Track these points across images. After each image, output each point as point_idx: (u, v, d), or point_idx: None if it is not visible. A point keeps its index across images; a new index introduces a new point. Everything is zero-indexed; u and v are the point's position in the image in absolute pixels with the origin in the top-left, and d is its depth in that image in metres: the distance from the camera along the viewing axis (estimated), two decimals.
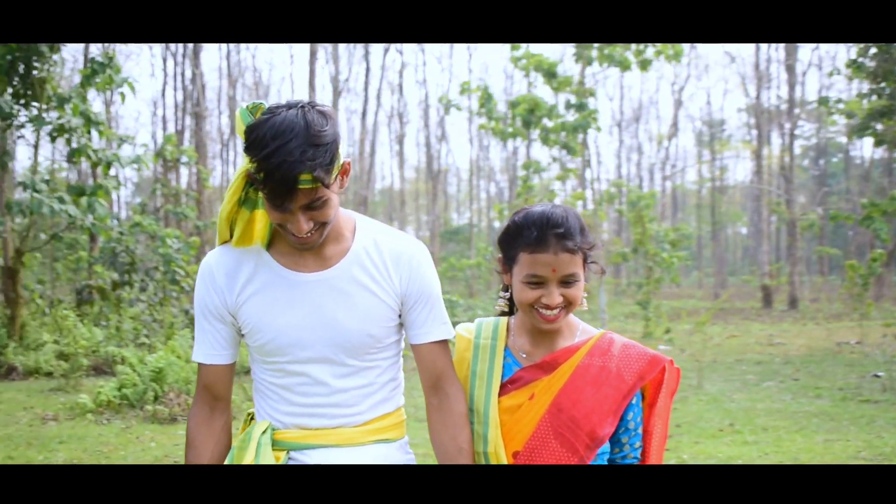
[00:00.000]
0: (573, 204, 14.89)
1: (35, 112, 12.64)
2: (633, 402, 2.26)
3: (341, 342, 2.24)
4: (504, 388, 2.30)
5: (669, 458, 7.13)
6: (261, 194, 2.15)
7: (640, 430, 2.29)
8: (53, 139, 12.89)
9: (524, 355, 2.32)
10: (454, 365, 2.37)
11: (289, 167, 2.00)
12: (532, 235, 2.18)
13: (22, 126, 12.91)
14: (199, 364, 2.36)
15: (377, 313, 2.26)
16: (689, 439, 7.93)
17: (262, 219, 2.27)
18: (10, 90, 12.48)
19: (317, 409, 2.29)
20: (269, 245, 2.30)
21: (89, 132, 12.90)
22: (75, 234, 19.26)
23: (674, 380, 2.30)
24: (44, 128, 12.69)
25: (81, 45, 20.15)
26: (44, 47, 12.13)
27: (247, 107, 2.09)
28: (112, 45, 15.97)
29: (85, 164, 17.19)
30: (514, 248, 2.24)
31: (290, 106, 2.07)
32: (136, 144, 15.55)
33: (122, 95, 13.40)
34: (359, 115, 37.15)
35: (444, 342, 2.34)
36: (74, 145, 12.87)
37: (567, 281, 2.18)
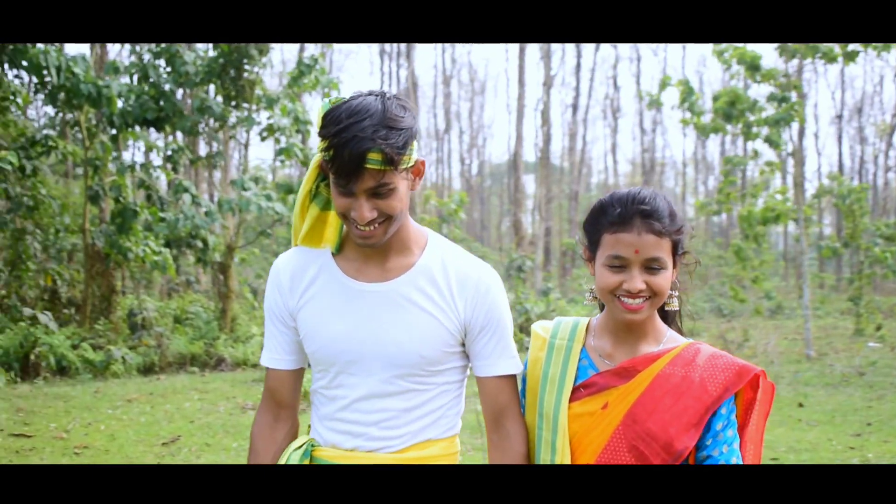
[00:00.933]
0: (780, 201, 14.34)
1: (245, 113, 13.58)
2: (722, 412, 2.11)
3: (390, 359, 2.19)
4: (576, 393, 2.19)
5: (852, 458, 7.08)
6: (332, 190, 2.15)
7: (731, 434, 2.12)
8: (263, 139, 13.79)
9: (602, 358, 2.22)
10: (528, 364, 2.31)
11: (358, 143, 1.99)
12: (615, 213, 2.08)
13: (233, 127, 13.90)
14: (266, 368, 2.37)
15: (433, 335, 2.18)
16: (878, 438, 7.85)
17: (333, 222, 2.28)
18: (216, 92, 13.47)
19: (354, 427, 2.23)
20: (339, 251, 2.28)
21: (297, 131, 13.71)
22: (283, 230, 20.47)
23: (767, 399, 2.16)
24: (254, 128, 13.61)
25: (289, 47, 21.34)
26: (253, 50, 13.00)
27: (330, 100, 2.11)
28: (320, 46, 16.82)
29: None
30: (598, 229, 2.15)
31: (370, 93, 2.09)
32: None
33: (328, 96, 14.12)
34: (570, 110, 37.09)
35: (510, 377, 2.26)
36: (283, 145, 13.72)
37: (651, 266, 2.06)
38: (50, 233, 13.82)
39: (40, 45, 11.45)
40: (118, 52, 19.95)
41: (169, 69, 13.13)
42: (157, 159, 16.52)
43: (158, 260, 13.02)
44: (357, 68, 79.68)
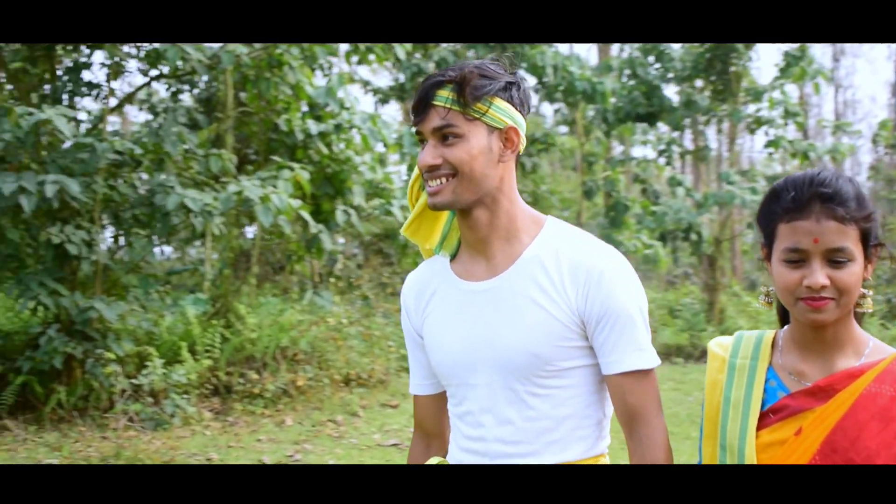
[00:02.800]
0: None
1: (732, 106, 14.16)
2: None
3: (504, 362, 2.07)
4: (764, 420, 1.96)
5: None
6: None
7: None
8: (752, 131, 14.24)
9: (793, 376, 1.98)
10: (707, 388, 2.09)
11: (432, 79, 2.03)
12: (788, 198, 1.87)
13: (721, 120, 14.57)
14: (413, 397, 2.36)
15: (545, 330, 2.05)
16: None
17: (440, 218, 2.26)
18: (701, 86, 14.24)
19: (479, 445, 2.13)
20: (455, 255, 2.23)
21: (786, 124, 13.90)
22: None
23: None
24: (741, 121, 14.14)
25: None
26: (739, 45, 13.54)
27: None
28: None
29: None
30: (771, 220, 1.94)
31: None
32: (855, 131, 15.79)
33: (817, 86, 13.99)
34: None
35: (640, 374, 2.05)
36: (771, 137, 14.02)
37: (835, 259, 1.82)
38: None
39: (544, 46, 13.53)
40: (609, 51, 21.50)
41: (658, 66, 14.36)
42: (650, 154, 17.67)
43: (650, 253, 14.36)
44: None
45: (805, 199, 1.86)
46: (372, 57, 10.11)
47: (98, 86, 9.02)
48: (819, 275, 1.83)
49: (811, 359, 1.98)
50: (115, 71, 9.07)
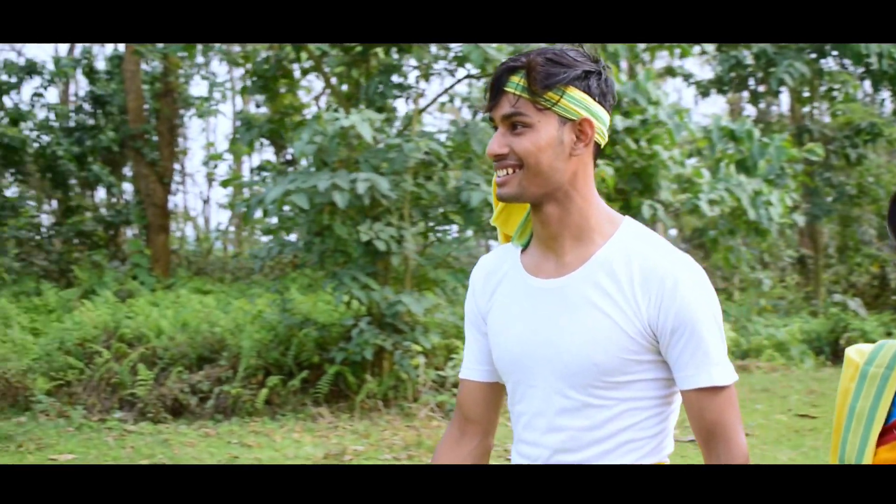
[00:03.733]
0: None
1: None
2: None
3: (560, 366, 2.02)
4: (887, 435, 1.81)
5: None
6: None
7: None
8: None
9: None
10: (838, 397, 1.96)
11: (506, 64, 2.00)
12: None
13: None
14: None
15: (607, 338, 1.97)
16: None
17: (520, 208, 2.21)
18: None
19: (533, 450, 2.10)
20: (527, 246, 2.18)
21: None
22: None
23: None
24: None
25: None
26: None
27: None
28: None
29: None
30: None
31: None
32: None
33: None
34: None
35: (716, 390, 1.96)
36: None
37: None
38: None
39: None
40: None
41: None
42: None
43: None
44: None
45: None
46: (696, 49, 10.01)
47: (408, 87, 9.56)
48: None
49: None
50: (425, 73, 9.58)
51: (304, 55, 9.82)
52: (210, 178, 22.70)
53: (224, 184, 14.27)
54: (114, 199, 20.91)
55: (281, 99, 11.05)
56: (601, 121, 2.04)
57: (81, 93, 20.67)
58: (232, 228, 22.54)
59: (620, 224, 2.08)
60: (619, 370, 1.99)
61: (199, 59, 18.45)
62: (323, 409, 8.61)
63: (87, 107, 19.88)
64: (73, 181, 19.67)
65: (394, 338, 8.58)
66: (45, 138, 19.11)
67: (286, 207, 8.66)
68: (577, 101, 1.99)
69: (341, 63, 9.58)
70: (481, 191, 8.42)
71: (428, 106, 9.82)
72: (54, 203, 20.41)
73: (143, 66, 18.00)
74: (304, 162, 9.68)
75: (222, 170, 21.48)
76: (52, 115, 19.74)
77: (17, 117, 19.11)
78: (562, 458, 2.04)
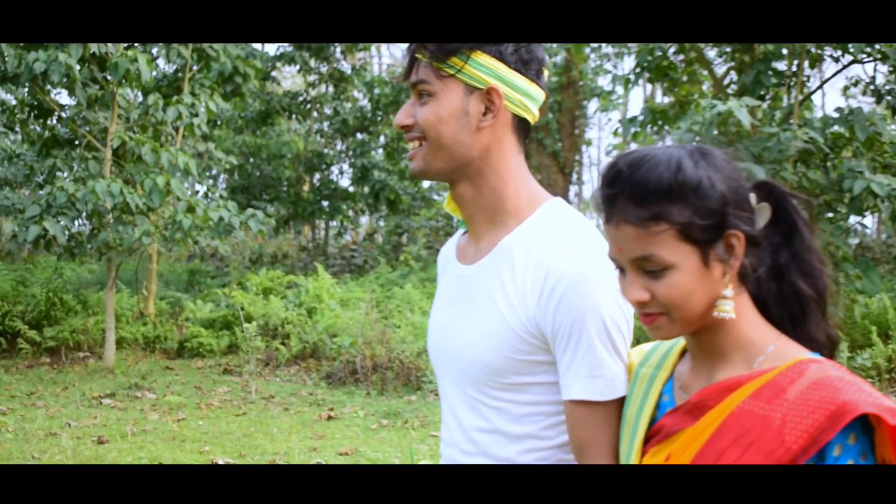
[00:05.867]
0: None
1: None
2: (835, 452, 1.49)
3: (459, 363, 1.95)
4: (649, 441, 1.73)
5: None
6: None
7: None
8: None
9: (681, 390, 1.74)
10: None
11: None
12: (597, 196, 1.65)
13: None
14: None
15: (496, 334, 1.86)
16: None
17: None
18: None
19: (443, 447, 2.05)
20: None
21: None
22: None
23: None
24: None
25: None
26: None
27: None
28: None
29: None
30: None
31: None
32: None
33: None
34: None
35: (591, 406, 1.81)
36: None
37: (649, 269, 1.58)
38: None
39: None
40: None
41: None
42: None
43: None
44: None
45: (603, 197, 1.63)
46: None
47: (789, 75, 9.89)
48: (631, 288, 1.62)
49: (697, 368, 1.73)
50: (811, 60, 9.85)
51: (686, 45, 10.46)
52: None
53: None
54: None
55: (682, 88, 11.72)
56: (519, 90, 1.92)
57: None
58: None
59: (540, 207, 1.94)
60: (510, 371, 1.87)
61: (608, 50, 19.49)
62: None
63: None
64: None
65: None
66: None
67: None
68: (484, 67, 1.88)
69: (724, 52, 10.13)
70: (865, 179, 8.61)
71: (811, 94, 10.04)
72: None
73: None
74: None
75: None
76: None
77: None
78: (465, 460, 1.96)
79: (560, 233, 1.86)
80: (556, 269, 1.81)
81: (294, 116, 22.58)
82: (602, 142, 29.63)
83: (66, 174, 12.89)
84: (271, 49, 20.83)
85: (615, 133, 16.13)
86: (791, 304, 1.69)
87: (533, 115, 1.99)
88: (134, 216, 11.24)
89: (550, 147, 17.69)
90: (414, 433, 8.35)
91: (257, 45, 20.08)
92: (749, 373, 1.63)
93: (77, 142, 12.46)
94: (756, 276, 1.66)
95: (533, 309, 1.83)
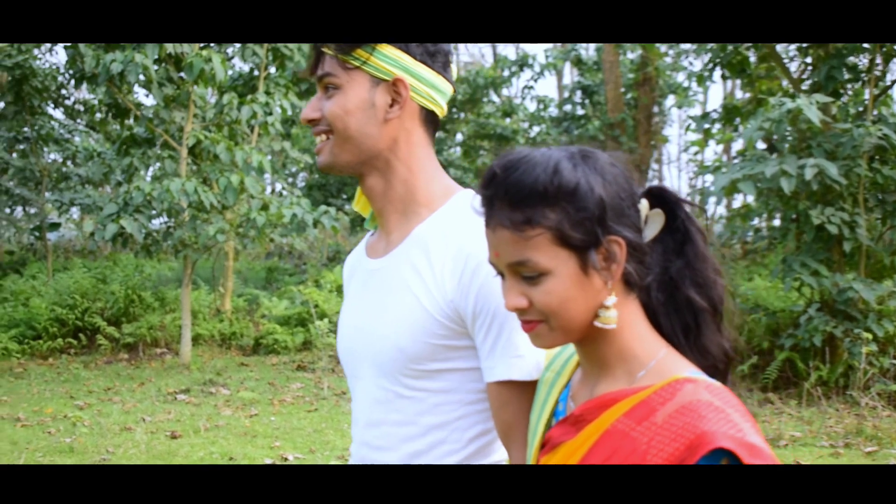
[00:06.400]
0: None
1: None
2: None
3: (373, 354, 1.94)
4: (546, 446, 1.69)
5: None
6: None
7: None
8: None
9: (572, 400, 1.70)
10: None
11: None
12: (476, 199, 1.62)
13: None
14: None
15: (414, 320, 1.87)
16: None
17: None
18: None
19: (356, 448, 2.03)
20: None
21: None
22: None
23: None
24: None
25: None
26: None
27: None
28: None
29: None
30: None
31: None
32: None
33: None
34: None
35: (517, 385, 1.81)
36: None
37: (526, 275, 1.54)
38: None
39: None
40: None
41: None
42: None
43: None
44: None
45: (481, 200, 1.59)
46: None
47: (862, 70, 9.68)
48: (510, 294, 1.57)
49: (585, 378, 1.68)
50: (887, 56, 9.63)
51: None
52: (695, 165, 23.59)
53: (701, 171, 15.02)
54: None
55: (759, 84, 11.56)
56: (425, 82, 1.94)
57: (573, 84, 22.56)
58: (707, 215, 23.22)
59: (451, 198, 1.96)
60: (427, 357, 1.87)
61: (686, 45, 19.33)
62: (771, 394, 9.14)
63: (576, 97, 21.70)
64: None
65: (844, 325, 8.86)
66: (536, 129, 21.17)
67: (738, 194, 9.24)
68: (390, 59, 1.90)
69: (800, 48, 9.96)
70: None
71: (887, 89, 9.81)
72: None
73: (629, 55, 19.31)
74: (761, 146, 10.20)
75: (709, 156, 22.23)
76: (541, 107, 21.77)
77: (508, 110, 21.35)
78: (376, 457, 1.95)
79: (477, 219, 1.74)
80: (475, 253, 1.81)
81: None
82: (682, 139, 29.40)
83: (143, 172, 13.18)
84: None
85: (687, 129, 15.96)
86: (683, 316, 1.60)
87: (441, 108, 2.00)
88: (209, 214, 11.44)
89: (626, 145, 17.60)
90: None
91: None
92: (626, 389, 1.57)
93: (154, 141, 12.73)
94: (645, 285, 1.59)
95: (451, 292, 1.84)
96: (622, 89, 18.62)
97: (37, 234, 19.54)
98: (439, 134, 21.43)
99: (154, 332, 12.90)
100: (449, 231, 1.86)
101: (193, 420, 8.66)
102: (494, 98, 22.20)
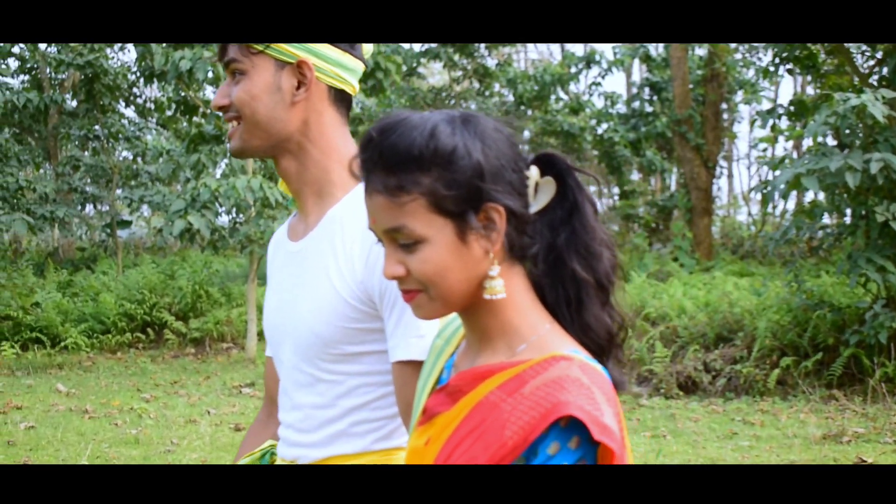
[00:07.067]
0: None
1: None
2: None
3: (293, 338, 1.96)
4: (422, 417, 1.66)
5: None
6: None
7: None
8: None
9: (454, 369, 1.67)
10: None
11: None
12: (355, 164, 1.57)
13: None
14: None
15: (328, 304, 1.88)
16: None
17: None
18: None
19: (282, 431, 2.04)
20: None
21: None
22: None
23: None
24: None
25: None
26: None
27: None
28: None
29: None
30: None
31: None
32: None
33: None
34: None
35: (415, 365, 1.80)
36: None
37: (403, 242, 1.50)
38: None
39: None
40: None
41: None
42: None
43: None
44: None
45: (360, 164, 1.54)
46: None
47: None
48: (388, 262, 1.53)
49: (468, 349, 1.64)
50: None
51: None
52: (763, 162, 23.39)
53: (773, 167, 14.87)
54: (667, 183, 22.45)
55: (828, 79, 11.45)
56: (331, 62, 1.95)
57: (641, 80, 22.50)
58: (777, 211, 23.01)
59: None
60: (343, 341, 1.88)
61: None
62: (835, 391, 9.06)
63: (644, 94, 21.63)
64: (629, 167, 21.53)
65: None
66: (603, 125, 21.13)
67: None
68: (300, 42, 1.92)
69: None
70: None
71: None
72: (613, 189, 22.50)
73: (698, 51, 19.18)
74: (831, 142, 10.10)
75: (779, 152, 21.99)
76: (609, 103, 21.72)
77: (575, 107, 21.33)
78: (299, 439, 1.97)
79: None
80: None
81: None
82: (752, 136, 29.12)
83: (211, 169, 13.44)
84: (417, 45, 21.32)
85: (752, 123, 15.84)
86: (567, 289, 1.55)
87: (352, 87, 2.01)
88: (274, 210, 11.63)
89: (693, 141, 17.48)
90: None
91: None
92: (504, 362, 1.54)
93: (222, 138, 12.96)
94: (531, 256, 1.55)
95: (361, 273, 1.85)
96: (690, 85, 18.50)
97: (108, 231, 19.99)
98: None
99: (220, 327, 13.15)
100: (361, 211, 1.77)
101: (257, 413, 8.78)
102: (562, 95, 22.21)
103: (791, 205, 20.25)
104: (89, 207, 23.68)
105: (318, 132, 1.95)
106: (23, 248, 20.70)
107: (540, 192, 1.55)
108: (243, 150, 1.97)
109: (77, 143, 20.31)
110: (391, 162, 1.47)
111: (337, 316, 1.86)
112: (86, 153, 20.83)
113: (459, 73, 21.67)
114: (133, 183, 20.10)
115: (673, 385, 9.69)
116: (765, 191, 9.52)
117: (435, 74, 31.98)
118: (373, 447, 1.91)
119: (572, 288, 1.54)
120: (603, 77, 21.58)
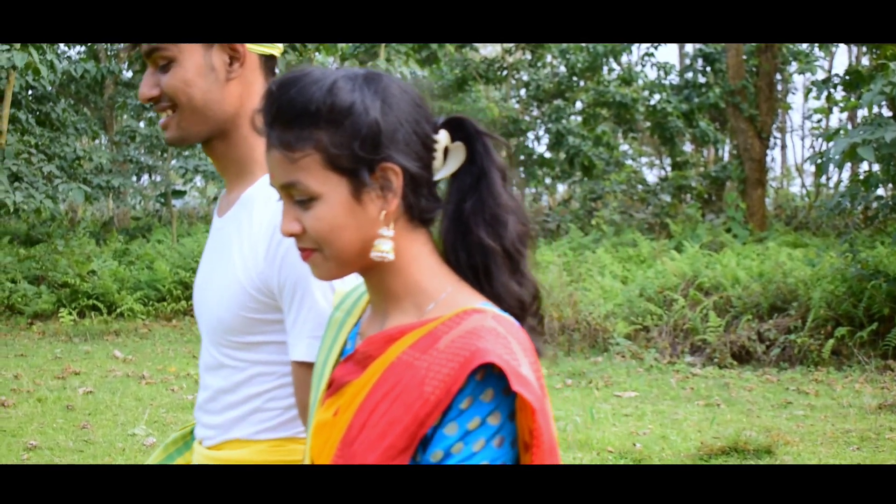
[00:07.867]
0: None
1: None
2: (448, 431, 1.39)
3: (205, 321, 1.94)
4: (328, 390, 1.62)
5: None
6: None
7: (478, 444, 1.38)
8: None
9: (360, 338, 1.63)
10: None
11: None
12: (258, 118, 1.55)
13: None
14: None
15: (230, 294, 1.83)
16: None
17: None
18: None
19: (196, 410, 2.02)
20: None
21: None
22: None
23: (529, 427, 1.39)
24: None
25: None
26: None
27: None
28: None
29: None
30: None
31: None
32: None
33: None
34: None
35: (312, 367, 1.73)
36: None
37: (298, 199, 1.49)
38: None
39: None
40: None
41: None
42: None
43: None
44: None
45: (262, 119, 1.52)
46: None
47: None
48: (285, 219, 1.51)
49: (374, 314, 1.61)
50: None
51: None
52: (817, 133, 23.14)
53: (828, 138, 14.76)
54: (720, 155, 22.33)
55: (884, 49, 11.33)
56: None
57: (694, 51, 22.34)
58: (831, 182, 22.81)
59: None
60: (243, 330, 1.85)
61: None
62: (891, 361, 9.06)
63: (697, 64, 21.47)
64: (682, 138, 21.44)
65: None
66: (656, 96, 21.04)
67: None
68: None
69: None
70: None
71: None
72: (666, 159, 22.43)
73: None
74: (886, 112, 10.05)
75: (833, 123, 21.76)
76: (661, 74, 21.60)
77: (628, 78, 21.23)
78: (207, 420, 1.94)
79: None
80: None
81: (491, 83, 22.98)
82: (806, 107, 28.80)
83: None
84: None
85: (807, 93, 15.72)
86: (475, 256, 1.52)
87: (277, 47, 1.96)
88: None
89: (747, 112, 17.37)
90: (597, 392, 8.60)
91: None
92: (415, 322, 1.50)
93: None
94: (433, 218, 1.55)
95: (261, 264, 1.79)
96: (744, 56, 18.36)
97: (162, 200, 20.27)
98: (558, 101, 21.50)
99: None
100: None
101: None
102: (614, 65, 22.12)
103: (845, 176, 20.09)
104: (144, 177, 24.00)
105: (250, 106, 1.84)
106: (79, 218, 21.01)
107: (450, 156, 1.54)
108: (183, 138, 1.91)
109: (133, 113, 20.55)
110: (288, 117, 1.46)
111: (237, 304, 1.82)
112: (141, 123, 21.06)
113: (512, 44, 21.66)
114: (187, 153, 20.34)
115: (727, 354, 9.74)
116: (819, 161, 9.49)
117: (487, 46, 31.96)
118: (268, 435, 1.87)
119: (479, 255, 1.52)
120: (656, 48, 21.46)
